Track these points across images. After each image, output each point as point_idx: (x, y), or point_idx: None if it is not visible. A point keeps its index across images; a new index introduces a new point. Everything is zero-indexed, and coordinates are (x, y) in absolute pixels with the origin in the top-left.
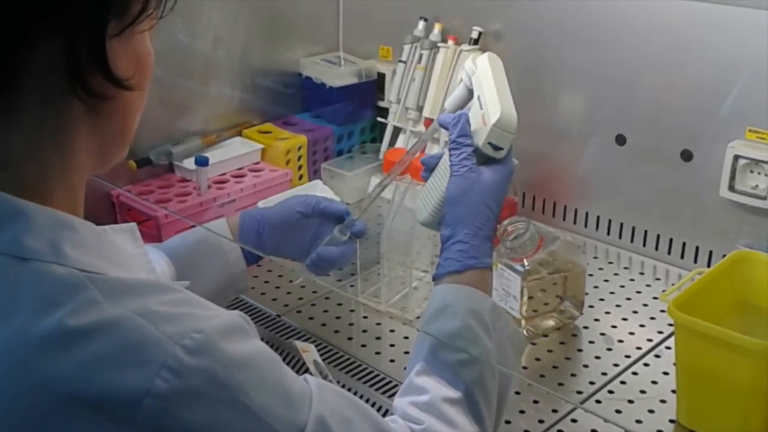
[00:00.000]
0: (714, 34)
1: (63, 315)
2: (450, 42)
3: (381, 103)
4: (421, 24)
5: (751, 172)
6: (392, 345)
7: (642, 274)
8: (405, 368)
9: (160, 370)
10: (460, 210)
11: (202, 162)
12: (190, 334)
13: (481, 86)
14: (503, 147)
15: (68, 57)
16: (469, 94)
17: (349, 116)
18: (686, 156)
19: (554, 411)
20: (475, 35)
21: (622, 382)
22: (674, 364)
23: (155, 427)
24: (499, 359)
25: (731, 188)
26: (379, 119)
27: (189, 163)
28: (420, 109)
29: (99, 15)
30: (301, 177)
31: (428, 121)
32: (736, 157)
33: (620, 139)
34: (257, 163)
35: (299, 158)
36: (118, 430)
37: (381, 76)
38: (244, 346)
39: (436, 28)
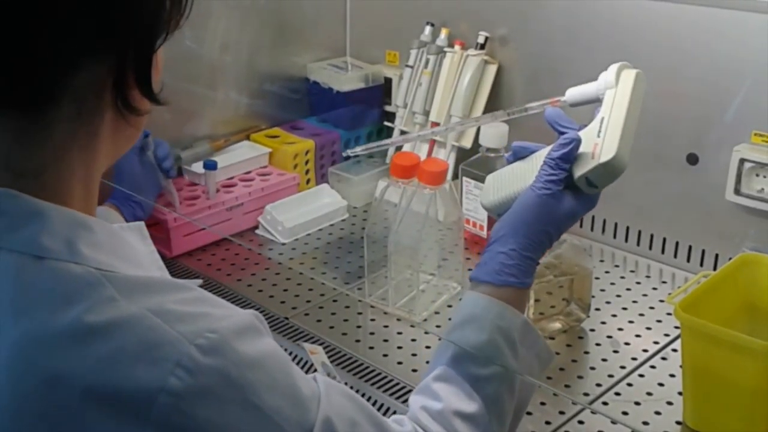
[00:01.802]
0: (720, 38)
1: (80, 311)
2: (456, 47)
3: (388, 108)
4: (428, 29)
5: (757, 175)
6: (400, 347)
7: (648, 277)
8: (413, 370)
9: (175, 368)
10: (521, 225)
11: (210, 166)
12: (204, 333)
13: (611, 108)
14: (599, 187)
15: (116, 79)
16: (596, 99)
17: (356, 120)
18: (692, 160)
19: (561, 413)
20: (481, 40)
21: (629, 384)
22: (680, 366)
23: (168, 424)
24: (522, 377)
25: (737, 192)
26: (386, 123)
27: (198, 168)
28: (426, 113)
29: (149, 39)
30: (308, 181)
31: (435, 126)
32: (742, 161)
33: None
34: (265, 167)
35: (306, 162)
36: (132, 426)
37: (388, 81)
38: (256, 346)
39: (443, 33)
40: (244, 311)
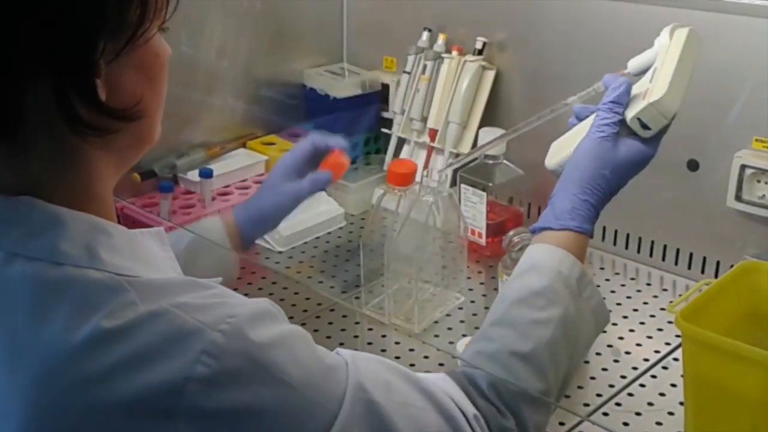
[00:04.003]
0: (720, 43)
1: (99, 318)
2: (454, 52)
3: (385, 114)
4: (425, 35)
5: (758, 181)
6: (398, 357)
7: (649, 284)
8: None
9: (200, 356)
10: (577, 172)
11: (206, 174)
12: (224, 319)
13: (663, 60)
14: (652, 128)
15: (58, 99)
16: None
17: (353, 127)
18: (693, 166)
19: (561, 424)
20: (479, 45)
21: (630, 394)
22: (682, 375)
23: (199, 413)
24: (578, 326)
25: (738, 198)
26: (383, 130)
27: (193, 176)
28: (424, 119)
29: (85, 53)
30: None
31: (432, 132)
32: (743, 167)
33: None
34: (261, 174)
35: None
36: (163, 423)
37: (385, 87)
38: (275, 328)
39: (440, 39)
40: (260, 299)
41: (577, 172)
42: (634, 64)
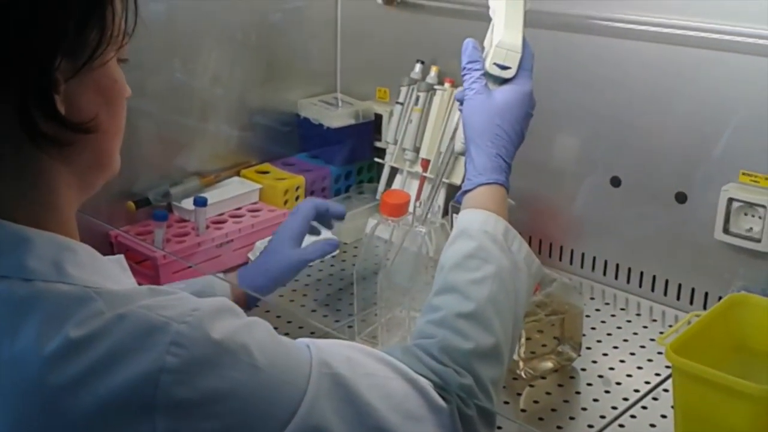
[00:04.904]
0: (707, 77)
1: (68, 328)
2: (446, 84)
3: (378, 144)
4: (418, 66)
5: (745, 214)
6: None
7: (639, 315)
8: None
9: (169, 347)
10: (470, 132)
11: (200, 203)
12: (189, 313)
13: (494, 14)
14: (510, 66)
15: (20, 113)
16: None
17: (346, 157)
18: (681, 198)
19: None
20: None
21: (621, 425)
22: (672, 407)
23: (174, 403)
24: (514, 278)
25: (726, 231)
26: (376, 159)
27: (187, 204)
28: (417, 150)
29: (46, 67)
30: None
31: (425, 162)
32: (731, 200)
33: (615, 181)
34: (255, 203)
35: (297, 198)
36: (140, 421)
37: (378, 117)
38: (237, 320)
39: (433, 71)
40: (219, 298)
41: (471, 131)
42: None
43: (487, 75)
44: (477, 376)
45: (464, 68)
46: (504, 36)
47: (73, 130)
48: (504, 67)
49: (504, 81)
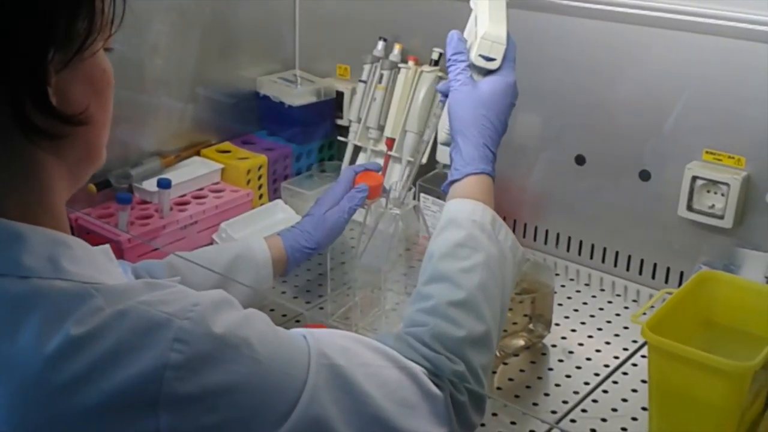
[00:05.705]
0: (672, 58)
1: (69, 326)
2: (410, 63)
3: (339, 122)
4: (381, 44)
5: (708, 192)
6: None
7: (603, 290)
8: None
9: (173, 343)
10: (456, 122)
11: (165, 185)
12: (190, 308)
13: (477, 7)
14: (495, 57)
15: (13, 107)
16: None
17: (307, 135)
18: (644, 176)
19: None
20: (435, 56)
21: (594, 401)
22: (642, 381)
23: (177, 399)
24: (501, 265)
25: (689, 208)
26: (338, 138)
27: (149, 185)
28: (381, 128)
29: (38, 60)
30: (261, 196)
31: (390, 141)
32: (694, 178)
33: (580, 159)
34: (217, 183)
35: (259, 177)
36: (144, 418)
37: (339, 95)
38: (236, 312)
39: (396, 49)
40: (216, 290)
41: (457, 123)
42: (466, 32)
43: (472, 66)
44: (468, 362)
45: (449, 59)
46: (489, 28)
47: (66, 123)
48: (489, 59)
49: (488, 72)
